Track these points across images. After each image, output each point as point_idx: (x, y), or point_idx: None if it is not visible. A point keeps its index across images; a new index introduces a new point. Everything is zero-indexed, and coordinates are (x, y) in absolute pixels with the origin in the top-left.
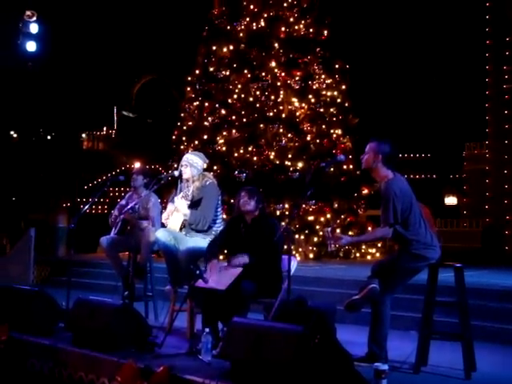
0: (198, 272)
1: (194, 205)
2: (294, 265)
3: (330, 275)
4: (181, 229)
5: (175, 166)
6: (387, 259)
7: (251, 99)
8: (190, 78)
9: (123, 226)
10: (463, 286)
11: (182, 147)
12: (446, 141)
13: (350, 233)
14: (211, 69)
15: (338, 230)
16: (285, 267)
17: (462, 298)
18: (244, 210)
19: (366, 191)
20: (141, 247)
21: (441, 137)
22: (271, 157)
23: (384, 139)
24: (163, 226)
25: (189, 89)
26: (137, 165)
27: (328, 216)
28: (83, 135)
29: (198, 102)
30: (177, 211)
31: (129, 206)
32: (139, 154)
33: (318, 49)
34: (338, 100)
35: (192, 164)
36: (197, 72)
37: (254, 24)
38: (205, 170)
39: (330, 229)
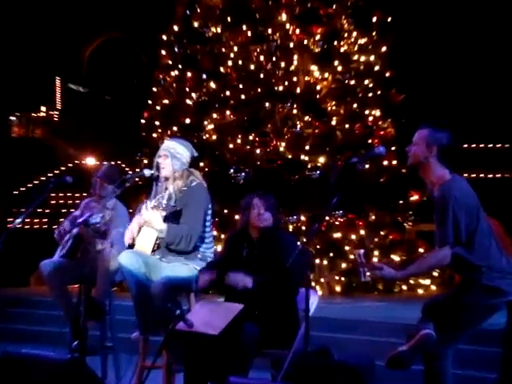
0: (178, 312)
1: (173, 215)
2: (313, 302)
3: (364, 317)
4: (154, 251)
5: (145, 161)
6: (447, 294)
7: (252, 67)
8: (165, 37)
9: (74, 246)
10: None
11: (154, 135)
12: None
13: (394, 257)
14: (196, 24)
15: (375, 253)
16: (301, 305)
17: None
18: (259, 226)
19: (415, 197)
20: (97, 277)
21: None
22: (281, 149)
23: (441, 125)
24: (130, 246)
25: (164, 52)
26: (91, 160)
27: (362, 233)
28: (12, 118)
29: (177, 72)
30: (148, 226)
31: (85, 216)
32: (93, 144)
33: None
34: (376, 68)
35: (174, 155)
36: (175, 28)
37: None
38: (190, 165)
39: (362, 252)
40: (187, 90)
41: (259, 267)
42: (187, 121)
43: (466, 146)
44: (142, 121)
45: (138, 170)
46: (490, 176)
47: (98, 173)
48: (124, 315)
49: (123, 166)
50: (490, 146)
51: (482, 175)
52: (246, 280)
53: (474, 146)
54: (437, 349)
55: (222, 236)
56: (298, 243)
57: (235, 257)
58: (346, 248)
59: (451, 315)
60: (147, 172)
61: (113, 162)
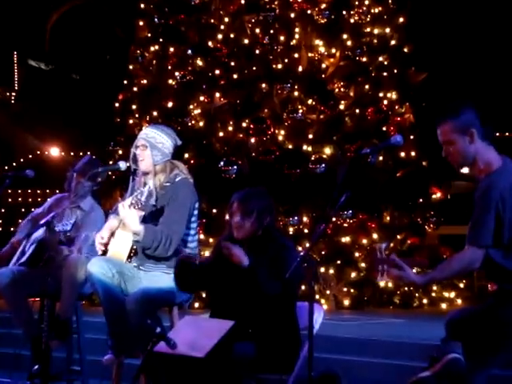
0: (158, 330)
1: (153, 216)
2: (318, 318)
3: (378, 335)
4: (130, 257)
5: (120, 152)
6: (478, 308)
7: (246, 42)
8: (143, 6)
9: (37, 253)
10: None
11: (130, 121)
12: None
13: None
14: None
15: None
16: (303, 322)
17: None
18: (236, 236)
19: (438, 195)
20: (62, 289)
21: None
22: (280, 138)
23: (460, 103)
24: (103, 253)
25: (142, 23)
26: (55, 151)
27: (374, 236)
28: None
29: (157, 47)
30: (123, 229)
31: (48, 217)
32: (57, 132)
33: None
34: (392, 42)
35: (154, 145)
36: None
37: None
38: (173, 157)
39: (384, 246)
40: (169, 68)
41: (249, 279)
42: (169, 104)
43: (497, 134)
44: (117, 104)
45: (111, 162)
46: None
47: (75, 166)
48: (94, 334)
49: (93, 157)
50: None
51: None
52: (243, 257)
53: (507, 134)
54: (466, 376)
55: (211, 240)
56: (300, 249)
57: (223, 264)
58: (356, 254)
59: (484, 334)
60: (122, 165)
61: (80, 153)
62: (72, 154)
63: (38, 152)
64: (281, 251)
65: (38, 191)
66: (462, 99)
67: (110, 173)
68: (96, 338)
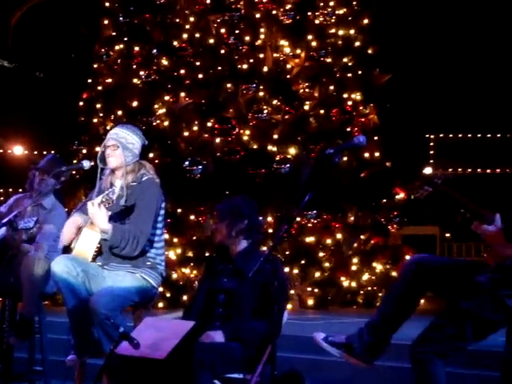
0: (121, 330)
1: (119, 215)
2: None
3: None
4: (95, 257)
5: (84, 151)
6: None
7: (212, 41)
8: (108, 4)
9: None
10: None
11: (95, 120)
12: None
13: (376, 265)
14: None
15: (354, 261)
16: None
17: None
18: (215, 241)
19: (401, 195)
20: (23, 288)
21: None
22: (245, 138)
23: None
24: (66, 251)
25: (106, 22)
26: (18, 150)
27: (338, 236)
28: None
29: (122, 45)
30: (89, 227)
31: (11, 216)
32: (21, 130)
33: None
34: (357, 44)
35: (125, 145)
36: None
37: None
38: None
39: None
40: (134, 67)
41: (235, 302)
42: (134, 104)
43: (460, 135)
44: (81, 103)
45: (75, 161)
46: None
47: (38, 164)
48: (57, 334)
49: (57, 156)
50: (489, 136)
51: (478, 170)
52: (217, 335)
53: (469, 135)
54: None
55: (175, 240)
56: (264, 248)
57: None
58: (321, 254)
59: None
60: (86, 164)
61: (44, 152)
62: (35, 152)
63: (1, 150)
64: (263, 272)
65: (1, 190)
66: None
67: (73, 172)
68: (58, 338)
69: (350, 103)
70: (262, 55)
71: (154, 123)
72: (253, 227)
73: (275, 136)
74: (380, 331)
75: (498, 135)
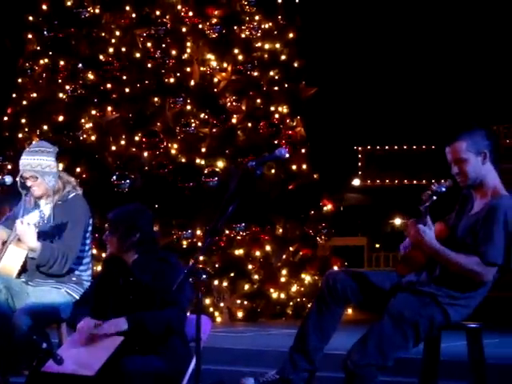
0: (45, 346)
1: (47, 233)
2: (205, 330)
3: (271, 346)
4: (20, 273)
5: (9, 167)
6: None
7: (138, 55)
8: (31, 18)
9: None
10: None
11: (20, 135)
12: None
13: (305, 276)
14: (69, 3)
15: (283, 273)
16: (191, 334)
17: None
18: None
19: (329, 206)
20: None
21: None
22: (173, 151)
23: (475, 123)
24: None
25: (30, 36)
26: None
27: (268, 248)
28: None
29: (46, 60)
30: (16, 244)
31: None
32: None
33: None
34: (283, 57)
35: (44, 172)
36: (44, 7)
37: None
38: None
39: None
40: (60, 81)
41: (137, 297)
42: (60, 118)
43: (387, 147)
44: (5, 118)
45: None
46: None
47: None
48: None
49: None
50: (414, 147)
51: (405, 181)
52: (119, 324)
53: (396, 147)
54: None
55: (103, 255)
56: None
57: (110, 288)
58: (250, 267)
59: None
60: (8, 179)
61: None
62: None
63: None
64: (156, 272)
65: None
66: (476, 120)
67: None
68: None
69: (277, 116)
70: (188, 69)
71: (81, 138)
72: (145, 240)
73: (203, 149)
74: (309, 354)
75: (424, 146)
